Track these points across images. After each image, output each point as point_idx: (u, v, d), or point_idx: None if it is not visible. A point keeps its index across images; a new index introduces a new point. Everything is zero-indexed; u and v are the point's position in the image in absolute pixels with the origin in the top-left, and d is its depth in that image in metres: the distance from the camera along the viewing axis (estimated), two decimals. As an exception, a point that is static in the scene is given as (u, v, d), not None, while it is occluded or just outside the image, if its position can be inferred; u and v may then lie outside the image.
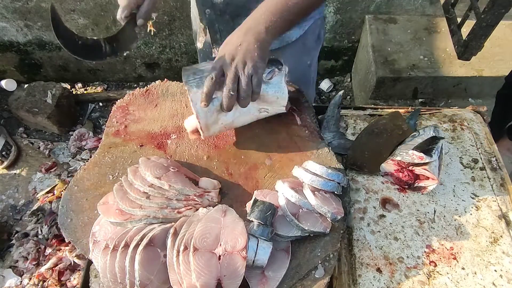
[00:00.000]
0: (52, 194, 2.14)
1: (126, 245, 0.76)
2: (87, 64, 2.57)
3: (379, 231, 0.95)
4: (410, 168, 0.98)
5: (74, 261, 1.82)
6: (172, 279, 0.74)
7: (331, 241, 0.86)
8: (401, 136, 1.05)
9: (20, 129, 2.46)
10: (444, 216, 0.98)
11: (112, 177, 0.96)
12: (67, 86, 2.67)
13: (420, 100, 2.24)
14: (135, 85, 2.73)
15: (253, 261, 0.76)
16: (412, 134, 1.04)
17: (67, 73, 2.66)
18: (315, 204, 0.84)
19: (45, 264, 1.84)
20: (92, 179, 0.96)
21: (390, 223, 0.97)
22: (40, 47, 2.45)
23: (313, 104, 1.12)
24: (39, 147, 2.36)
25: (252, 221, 0.79)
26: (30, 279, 1.83)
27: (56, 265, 1.83)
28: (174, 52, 2.50)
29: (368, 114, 1.20)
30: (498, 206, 1.00)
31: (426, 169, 0.95)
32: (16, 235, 1.98)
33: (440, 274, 0.88)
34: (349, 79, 2.69)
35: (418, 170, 0.97)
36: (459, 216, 0.98)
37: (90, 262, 0.90)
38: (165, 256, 0.76)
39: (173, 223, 0.82)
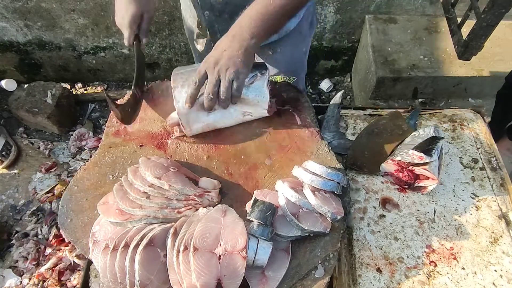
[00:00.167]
0: (52, 194, 2.14)
1: (126, 245, 0.76)
2: (87, 63, 2.58)
3: (379, 231, 0.95)
4: (410, 168, 0.98)
5: (74, 261, 1.81)
6: (172, 279, 0.74)
7: (331, 241, 0.86)
8: (401, 136, 1.05)
9: (20, 129, 2.46)
10: (444, 216, 0.98)
11: (112, 177, 0.96)
12: (67, 86, 2.67)
13: (420, 100, 2.24)
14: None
15: (253, 261, 0.76)
16: (412, 134, 1.04)
17: (67, 73, 2.66)
18: (315, 204, 0.84)
19: (45, 264, 1.84)
20: (92, 179, 0.96)
21: (390, 223, 0.97)
22: (40, 47, 2.45)
23: (313, 104, 1.12)
24: (39, 147, 2.36)
25: (252, 221, 0.79)
26: (30, 279, 1.83)
27: (56, 265, 1.83)
28: (174, 52, 2.50)
29: (368, 114, 1.20)
30: (498, 206, 1.00)
31: (426, 169, 0.95)
32: (16, 235, 1.98)
33: (440, 274, 0.88)
34: (349, 79, 2.69)
35: (418, 170, 0.97)
36: (459, 216, 0.98)
37: (90, 262, 0.90)
38: (165, 256, 0.76)
39: (173, 223, 0.82)
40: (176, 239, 0.77)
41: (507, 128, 1.79)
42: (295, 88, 1.13)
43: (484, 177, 1.05)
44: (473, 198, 1.01)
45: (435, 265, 0.90)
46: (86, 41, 2.40)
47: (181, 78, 0.94)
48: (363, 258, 0.91)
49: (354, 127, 1.17)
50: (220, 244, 0.75)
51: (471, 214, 0.98)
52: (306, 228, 0.82)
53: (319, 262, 0.83)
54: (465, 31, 1.68)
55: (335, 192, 0.90)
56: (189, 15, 1.25)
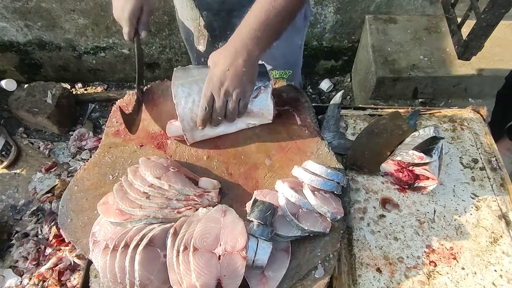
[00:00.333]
0: (52, 194, 2.14)
1: (126, 245, 0.76)
2: (87, 64, 2.58)
3: (379, 231, 0.95)
4: (410, 168, 0.98)
5: (74, 261, 1.81)
6: (172, 279, 0.74)
7: (331, 241, 0.86)
8: (401, 136, 1.05)
9: (20, 129, 2.46)
10: (444, 216, 0.98)
11: (112, 177, 0.96)
12: (67, 86, 2.67)
13: (420, 100, 2.24)
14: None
15: (253, 261, 0.76)
16: (412, 134, 1.04)
17: (67, 73, 2.66)
18: (315, 204, 0.84)
19: (45, 264, 1.84)
20: (92, 179, 0.96)
21: (390, 223, 0.97)
22: (40, 47, 2.45)
23: (313, 104, 1.12)
24: (39, 147, 2.36)
25: (252, 221, 0.79)
26: (30, 279, 1.83)
27: (56, 265, 1.83)
28: (174, 52, 2.50)
29: (368, 114, 1.20)
30: (498, 206, 1.00)
31: (426, 169, 0.94)
32: (16, 235, 1.98)
33: (440, 274, 0.88)
34: (349, 79, 2.69)
35: (418, 170, 0.97)
36: (459, 216, 0.98)
37: (90, 262, 0.90)
38: (165, 256, 0.76)
39: (173, 223, 0.82)
40: (176, 239, 0.77)
41: (507, 128, 1.79)
42: (295, 88, 1.13)
43: (484, 177, 1.05)
44: (473, 198, 1.01)
45: (435, 265, 0.90)
46: (86, 41, 2.40)
47: (182, 91, 0.91)
48: (363, 258, 0.91)
49: (354, 127, 1.17)
50: (220, 244, 0.75)
51: (471, 214, 0.98)
52: (306, 228, 0.82)
53: (319, 262, 0.83)
54: (465, 31, 1.69)
55: (335, 192, 0.90)
56: (187, 17, 1.25)
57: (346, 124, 1.17)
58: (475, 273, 0.89)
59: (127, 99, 1.11)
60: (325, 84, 2.66)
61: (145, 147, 1.02)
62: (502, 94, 1.81)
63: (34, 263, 1.87)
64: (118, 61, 2.56)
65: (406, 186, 1.02)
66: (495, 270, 0.89)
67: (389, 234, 0.95)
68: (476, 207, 0.99)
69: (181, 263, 0.72)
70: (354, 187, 1.03)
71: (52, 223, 1.96)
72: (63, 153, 2.35)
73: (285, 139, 1.03)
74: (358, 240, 0.94)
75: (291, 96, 1.11)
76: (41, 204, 2.10)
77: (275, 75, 1.31)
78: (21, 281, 1.83)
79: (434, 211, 0.98)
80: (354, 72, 2.60)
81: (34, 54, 2.50)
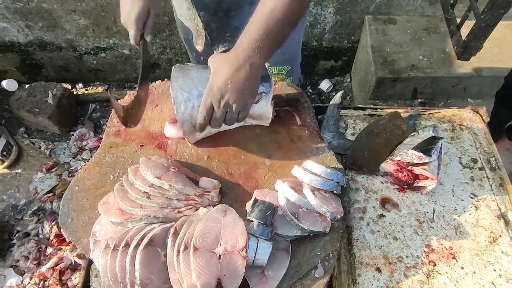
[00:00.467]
0: (53, 194, 2.14)
1: (127, 245, 0.76)
2: (87, 64, 2.58)
3: (378, 231, 0.96)
4: (410, 168, 0.99)
5: (75, 261, 1.82)
6: (173, 278, 0.74)
7: (330, 240, 0.86)
8: (400, 136, 1.05)
9: (21, 129, 2.46)
10: (443, 215, 0.98)
11: (113, 177, 0.97)
12: (68, 86, 2.67)
13: (419, 100, 2.24)
14: (136, 85, 2.73)
15: (253, 260, 0.77)
16: (412, 134, 1.05)
17: (68, 74, 2.67)
18: (314, 203, 0.85)
19: (46, 264, 1.84)
20: (92, 179, 0.96)
21: (390, 223, 0.97)
22: (41, 48, 2.45)
23: (313, 104, 1.12)
24: (40, 147, 2.36)
25: (252, 221, 0.80)
26: (31, 278, 1.83)
27: (57, 264, 1.83)
28: (174, 52, 2.50)
29: (368, 114, 1.20)
30: (497, 205, 1.00)
31: (426, 169, 0.95)
32: (17, 235, 1.99)
33: (439, 274, 0.89)
34: (348, 79, 2.69)
35: (417, 170, 0.97)
36: (458, 216, 0.98)
37: (91, 262, 0.90)
38: (165, 255, 0.76)
39: (173, 223, 0.82)
40: (176, 238, 0.77)
41: (506, 128, 1.79)
42: (295, 89, 1.14)
43: (483, 177, 1.05)
44: (472, 198, 1.01)
45: (434, 265, 0.90)
46: (87, 41, 2.41)
47: (182, 95, 0.92)
48: (362, 258, 0.92)
49: (354, 127, 1.17)
50: (220, 244, 0.75)
51: (470, 214, 0.98)
52: (306, 228, 0.83)
53: (319, 261, 0.84)
54: (464, 31, 1.69)
55: (335, 191, 0.90)
56: (185, 17, 1.25)
57: (345, 124, 1.18)
58: (474, 273, 0.89)
59: (128, 99, 1.12)
60: (324, 85, 2.66)
61: (145, 147, 1.02)
62: (501, 94, 1.82)
63: (35, 262, 1.88)
64: (118, 61, 2.57)
65: (406, 186, 1.02)
66: (494, 270, 0.90)
67: (389, 234, 0.95)
68: (475, 207, 1.00)
69: (181, 262, 0.73)
70: (354, 187, 1.04)
71: (53, 223, 1.96)
72: (64, 153, 2.36)
73: (285, 139, 1.03)
74: (357, 239, 0.94)
75: (291, 96, 1.12)
76: (42, 204, 2.10)
77: (274, 71, 1.31)
78: (22, 281, 1.84)
79: (434, 211, 0.99)
80: (354, 73, 2.60)
81: (35, 55, 2.51)
